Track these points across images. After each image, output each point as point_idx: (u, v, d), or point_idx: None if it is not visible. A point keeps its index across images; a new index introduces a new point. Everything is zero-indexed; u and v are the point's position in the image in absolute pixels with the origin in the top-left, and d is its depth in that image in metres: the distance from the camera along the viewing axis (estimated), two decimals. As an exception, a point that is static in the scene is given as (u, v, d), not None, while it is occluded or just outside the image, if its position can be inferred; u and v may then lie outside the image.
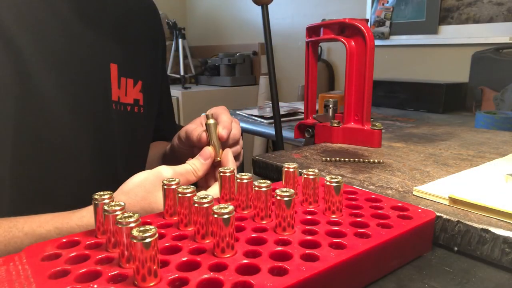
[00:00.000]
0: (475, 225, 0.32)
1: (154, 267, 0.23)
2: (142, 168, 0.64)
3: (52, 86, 0.48)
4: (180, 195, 0.31)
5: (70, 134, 0.51)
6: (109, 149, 0.57)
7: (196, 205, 0.28)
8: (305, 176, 0.35)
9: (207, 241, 0.28)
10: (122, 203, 0.28)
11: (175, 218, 0.33)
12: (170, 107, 0.80)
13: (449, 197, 0.36)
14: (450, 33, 1.49)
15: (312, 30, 0.67)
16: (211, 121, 0.49)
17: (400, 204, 0.35)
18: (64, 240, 0.29)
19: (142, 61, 0.64)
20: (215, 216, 0.26)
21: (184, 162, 0.47)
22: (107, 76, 0.56)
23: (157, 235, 0.23)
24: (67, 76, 0.50)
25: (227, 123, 0.50)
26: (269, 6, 0.76)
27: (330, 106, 0.67)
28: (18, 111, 0.45)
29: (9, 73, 0.45)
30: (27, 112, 0.46)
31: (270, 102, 0.84)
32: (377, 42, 1.66)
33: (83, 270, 0.25)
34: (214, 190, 0.43)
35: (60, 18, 0.50)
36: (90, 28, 0.53)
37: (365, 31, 0.58)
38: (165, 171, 0.43)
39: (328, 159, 0.53)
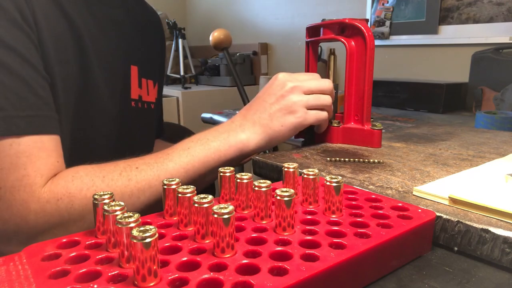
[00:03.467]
0: (475, 225, 0.32)
1: (154, 267, 0.23)
2: None
3: (101, 81, 0.55)
4: (180, 195, 0.31)
5: (106, 123, 0.58)
6: (129, 141, 0.63)
7: (196, 205, 0.28)
8: (305, 176, 0.35)
9: (207, 241, 0.28)
10: (122, 203, 0.29)
11: (175, 218, 0.33)
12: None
13: (449, 197, 0.36)
14: (450, 33, 1.49)
15: (312, 30, 0.67)
16: (332, 56, 0.64)
17: (400, 204, 0.35)
18: (64, 240, 0.29)
19: (155, 64, 0.71)
20: (215, 216, 0.26)
21: None
22: (128, 76, 0.62)
23: (157, 235, 0.23)
24: (106, 73, 0.57)
25: None
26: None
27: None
28: (78, 101, 0.52)
29: (76, 68, 0.51)
30: (84, 102, 0.53)
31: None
32: (377, 42, 1.66)
33: (83, 270, 0.25)
34: None
35: (100, 23, 0.57)
36: (118, 32, 0.60)
37: (365, 31, 0.58)
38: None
39: (332, 159, 0.53)
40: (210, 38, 0.84)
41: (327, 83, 0.58)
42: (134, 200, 0.44)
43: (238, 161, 0.52)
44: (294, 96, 0.54)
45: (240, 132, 0.52)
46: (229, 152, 0.50)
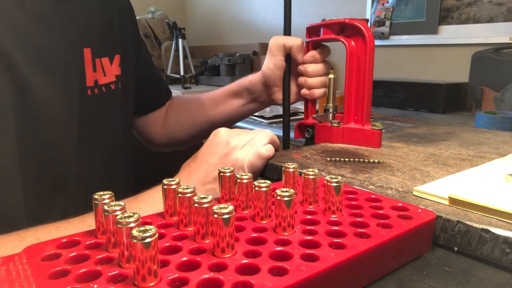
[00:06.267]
0: (475, 225, 0.32)
1: (154, 267, 0.23)
2: (129, 139, 0.69)
3: (42, 86, 0.50)
4: (180, 195, 0.31)
5: (60, 128, 0.52)
6: (95, 134, 0.58)
7: (196, 205, 0.28)
8: (305, 176, 0.35)
9: (207, 241, 0.28)
10: (122, 203, 0.28)
11: (175, 218, 0.33)
12: (157, 74, 0.84)
13: (449, 197, 0.36)
14: (450, 33, 1.49)
15: (312, 30, 0.67)
16: (332, 76, 0.64)
17: (400, 204, 0.35)
18: (64, 240, 0.29)
19: (113, 37, 0.63)
20: (215, 216, 0.26)
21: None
22: (81, 62, 0.56)
23: (157, 235, 0.23)
24: (49, 71, 0.51)
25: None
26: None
27: (330, 110, 0.66)
28: (19, 116, 0.47)
29: (5, 83, 0.46)
30: (27, 115, 0.48)
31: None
32: (377, 42, 1.66)
33: (83, 270, 0.25)
34: None
35: (33, 14, 0.50)
36: (59, 18, 0.53)
37: (365, 31, 0.58)
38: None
39: (333, 159, 0.53)
40: None
41: (265, 132, 0.54)
42: None
43: None
44: (237, 153, 0.51)
45: None
46: None
